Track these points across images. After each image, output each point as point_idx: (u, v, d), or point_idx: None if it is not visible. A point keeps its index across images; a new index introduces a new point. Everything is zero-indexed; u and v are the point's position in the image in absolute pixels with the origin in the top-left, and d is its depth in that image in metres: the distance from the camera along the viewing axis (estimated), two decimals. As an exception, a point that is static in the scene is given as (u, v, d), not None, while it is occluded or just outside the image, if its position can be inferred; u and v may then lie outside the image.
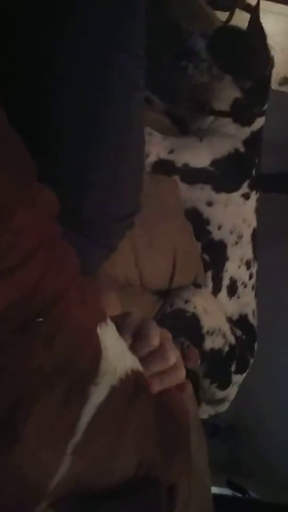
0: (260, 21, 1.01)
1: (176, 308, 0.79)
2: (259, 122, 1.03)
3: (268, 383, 2.57)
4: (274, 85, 2.56)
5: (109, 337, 0.37)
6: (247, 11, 2.40)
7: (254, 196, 1.05)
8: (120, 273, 0.79)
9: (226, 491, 2.13)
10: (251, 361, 1.05)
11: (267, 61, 1.00)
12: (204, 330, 0.83)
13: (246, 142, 1.01)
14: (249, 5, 2.38)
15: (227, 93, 0.98)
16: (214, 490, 2.23)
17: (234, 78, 0.96)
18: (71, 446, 0.31)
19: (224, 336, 0.89)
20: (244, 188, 1.02)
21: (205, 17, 1.07)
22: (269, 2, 2.74)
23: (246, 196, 1.03)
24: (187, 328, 0.81)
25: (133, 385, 0.37)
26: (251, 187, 1.04)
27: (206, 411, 1.04)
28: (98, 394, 0.33)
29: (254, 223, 1.07)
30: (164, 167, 0.93)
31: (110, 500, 0.33)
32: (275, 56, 2.69)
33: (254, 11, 1.00)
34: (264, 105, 1.03)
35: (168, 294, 0.83)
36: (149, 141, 0.90)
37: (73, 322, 0.34)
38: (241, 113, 0.99)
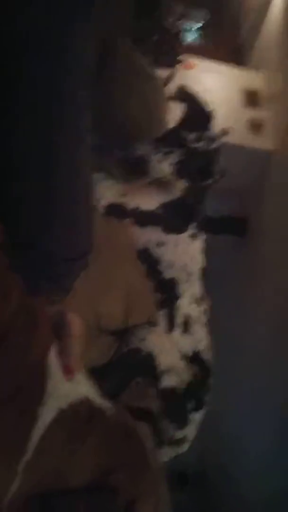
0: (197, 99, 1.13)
1: (132, 347, 0.80)
2: (207, 174, 1.13)
3: (234, 424, 2.56)
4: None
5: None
6: (187, 68, 2.61)
7: (201, 236, 1.11)
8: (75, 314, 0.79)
9: None
10: (207, 398, 1.05)
11: (210, 119, 1.11)
12: (160, 369, 0.84)
13: (191, 189, 1.08)
14: (184, 61, 2.60)
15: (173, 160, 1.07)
16: None
17: (178, 154, 1.07)
18: (22, 464, 0.34)
19: (179, 374, 0.90)
20: (192, 229, 1.08)
21: (147, 77, 1.15)
22: (210, 62, 3.00)
23: (193, 237, 1.09)
24: (143, 367, 0.81)
25: (87, 410, 0.38)
26: (198, 228, 1.10)
27: (166, 453, 1.02)
28: (46, 415, 0.35)
29: (202, 262, 1.12)
30: (116, 210, 0.97)
31: (67, 495, 0.36)
32: (214, 110, 2.90)
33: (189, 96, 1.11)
34: (210, 157, 1.14)
35: (124, 334, 0.83)
36: (102, 185, 0.94)
37: (19, 350, 0.35)
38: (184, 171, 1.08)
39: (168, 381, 0.87)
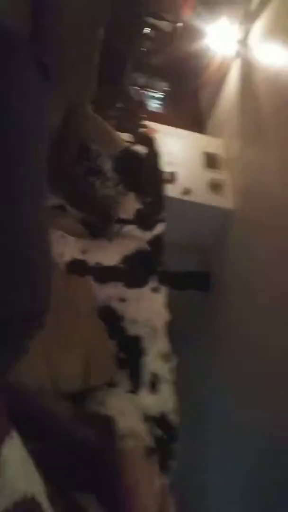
0: (155, 149, 1.19)
1: (91, 412, 0.75)
2: (160, 227, 1.16)
3: (202, 481, 2.43)
4: (177, 194, 2.88)
5: (12, 455, 0.35)
6: (147, 134, 2.76)
7: (163, 290, 1.11)
8: (31, 378, 0.75)
9: None
10: (173, 464, 1.00)
11: (162, 181, 1.16)
12: (119, 434, 0.79)
13: (150, 243, 1.10)
14: (147, 126, 2.75)
15: (131, 206, 1.10)
16: None
17: (136, 195, 1.09)
18: None
19: (137, 438, 0.85)
20: (153, 282, 1.08)
21: (112, 140, 1.21)
22: (170, 127, 3.19)
23: (155, 290, 1.09)
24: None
25: (31, 508, 0.34)
26: (160, 281, 1.10)
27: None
28: None
29: (166, 316, 1.11)
30: (78, 267, 0.96)
31: None
32: (177, 171, 3.04)
33: (149, 141, 1.18)
34: (161, 214, 1.17)
35: (81, 398, 0.79)
36: (63, 243, 0.94)
37: None
38: (143, 221, 1.11)
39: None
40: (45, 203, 0.67)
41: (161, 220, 1.16)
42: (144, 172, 1.09)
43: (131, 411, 0.90)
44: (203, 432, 2.50)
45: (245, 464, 2.16)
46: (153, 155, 1.14)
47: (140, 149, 1.14)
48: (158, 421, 1.00)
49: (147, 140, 1.17)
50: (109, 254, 1.03)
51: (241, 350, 2.44)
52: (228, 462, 2.28)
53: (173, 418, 1.04)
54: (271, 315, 2.20)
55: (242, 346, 2.44)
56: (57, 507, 0.39)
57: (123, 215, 1.09)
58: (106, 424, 0.76)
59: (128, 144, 1.19)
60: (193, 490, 2.49)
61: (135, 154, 1.11)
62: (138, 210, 1.10)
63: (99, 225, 1.08)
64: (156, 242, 1.13)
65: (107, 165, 1.04)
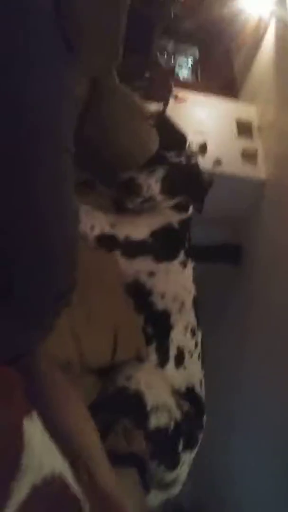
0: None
1: (118, 386, 0.77)
2: (191, 210, 1.15)
3: (230, 455, 2.48)
4: (208, 166, 2.80)
5: (35, 432, 0.36)
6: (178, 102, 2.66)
7: (190, 264, 1.11)
8: (59, 352, 0.77)
9: None
10: (200, 436, 1.01)
11: (208, 187, 1.18)
12: (148, 408, 0.81)
13: (180, 222, 1.09)
14: (177, 96, 2.66)
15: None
16: None
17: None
18: None
19: (169, 412, 0.86)
20: (181, 256, 1.08)
21: (140, 114, 1.17)
22: (202, 95, 3.08)
23: (184, 264, 1.08)
24: (130, 407, 0.78)
25: (57, 490, 0.35)
26: (187, 255, 1.09)
27: (157, 497, 0.97)
28: (19, 491, 0.33)
29: (193, 291, 1.10)
30: (108, 241, 0.97)
31: None
32: (207, 141, 2.94)
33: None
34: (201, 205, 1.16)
35: (110, 372, 0.81)
36: (92, 217, 0.94)
37: None
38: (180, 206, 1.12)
39: (157, 421, 0.83)
40: (72, 180, 0.66)
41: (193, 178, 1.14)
42: (191, 184, 1.11)
43: (160, 385, 0.91)
44: (231, 407, 2.52)
45: (271, 441, 2.18)
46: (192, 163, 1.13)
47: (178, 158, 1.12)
48: (185, 394, 1.02)
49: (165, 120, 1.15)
50: (138, 228, 1.03)
51: (271, 326, 2.41)
52: (255, 439, 2.31)
53: (199, 391, 1.05)
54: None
55: (272, 322, 2.41)
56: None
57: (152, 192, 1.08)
58: (135, 399, 0.78)
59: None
60: (222, 459, 2.54)
61: (180, 168, 1.09)
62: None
63: (129, 188, 1.07)
64: (186, 223, 1.12)
65: (157, 189, 1.05)
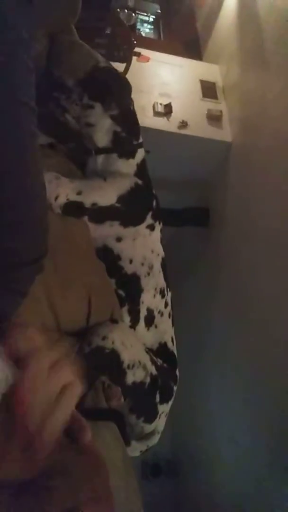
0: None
1: (95, 346, 0.79)
2: (141, 153, 1.13)
3: (203, 414, 2.61)
4: (174, 128, 2.78)
5: None
6: (140, 60, 2.59)
7: (158, 226, 1.12)
8: (35, 319, 0.78)
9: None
10: (175, 388, 1.07)
11: (128, 91, 1.11)
12: (125, 365, 0.83)
13: (138, 175, 1.08)
14: (140, 54, 2.58)
15: (105, 126, 1.06)
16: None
17: (103, 106, 1.04)
18: None
19: (144, 367, 0.90)
20: (149, 220, 1.09)
21: None
22: (165, 54, 3.00)
23: (151, 227, 1.09)
24: (107, 365, 0.81)
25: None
26: (155, 218, 1.10)
27: (137, 448, 1.02)
28: None
29: (162, 253, 1.12)
30: (74, 209, 0.95)
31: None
32: (172, 103, 2.91)
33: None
34: (139, 137, 1.13)
35: (85, 334, 0.82)
36: (57, 184, 0.92)
37: None
38: (122, 146, 1.08)
39: (134, 377, 0.87)
40: (36, 142, 0.64)
41: (140, 145, 1.12)
42: (110, 82, 1.04)
43: (134, 343, 0.94)
44: (202, 359, 2.63)
45: (240, 390, 2.30)
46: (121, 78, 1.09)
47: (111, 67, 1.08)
48: (158, 351, 1.06)
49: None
50: (105, 194, 1.02)
51: (238, 282, 2.49)
52: (226, 388, 2.43)
53: (172, 347, 1.09)
54: (269, 250, 2.22)
55: (238, 279, 2.49)
56: None
57: (101, 143, 1.06)
58: (111, 357, 0.80)
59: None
60: (198, 415, 2.67)
61: (104, 69, 1.05)
62: (115, 133, 1.07)
63: (79, 157, 1.05)
64: (142, 173, 1.11)
65: (70, 80, 1.00)
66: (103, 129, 1.06)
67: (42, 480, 0.38)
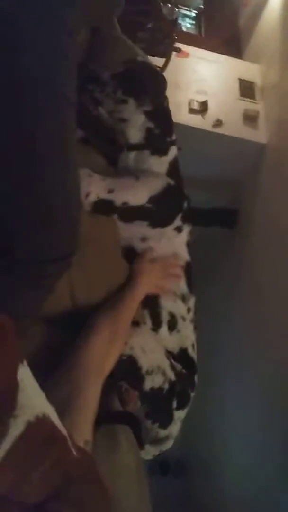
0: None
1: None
2: (173, 151, 1.10)
3: (216, 415, 2.59)
4: (208, 126, 2.73)
5: (26, 376, 0.38)
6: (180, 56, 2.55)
7: (186, 228, 1.09)
8: (58, 315, 0.77)
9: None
10: (192, 395, 1.05)
11: (163, 87, 1.08)
12: (143, 371, 0.82)
13: (169, 174, 1.06)
14: (180, 49, 2.54)
15: (138, 122, 1.04)
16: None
17: (136, 102, 1.02)
18: None
19: (164, 373, 0.88)
20: (177, 222, 1.06)
21: None
22: (205, 51, 2.94)
23: (178, 229, 1.07)
24: (125, 371, 0.80)
25: (48, 428, 0.39)
26: (183, 220, 1.08)
27: (150, 452, 1.01)
28: (16, 427, 0.35)
29: (186, 256, 1.10)
30: (104, 207, 0.94)
31: None
32: (208, 100, 2.85)
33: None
34: (172, 134, 1.11)
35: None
36: (89, 181, 0.91)
37: None
38: (155, 143, 1.06)
39: (152, 382, 0.85)
40: (75, 136, 0.63)
41: (173, 142, 1.10)
42: (144, 77, 1.03)
43: (154, 348, 0.93)
44: (219, 362, 2.60)
45: (256, 395, 2.26)
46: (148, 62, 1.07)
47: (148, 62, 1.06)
48: (178, 356, 1.04)
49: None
50: (137, 194, 1.00)
51: (262, 292, 2.44)
52: (241, 392, 2.40)
53: (192, 353, 1.07)
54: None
55: (264, 286, 2.44)
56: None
57: (133, 140, 1.04)
58: (129, 364, 0.79)
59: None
60: (209, 416, 2.64)
61: (135, 62, 1.03)
62: (148, 130, 1.05)
63: (112, 153, 1.04)
64: (175, 170, 1.08)
65: (105, 74, 0.99)
66: (136, 125, 1.04)
67: (54, 505, 0.38)
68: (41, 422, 0.38)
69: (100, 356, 0.67)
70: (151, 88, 1.03)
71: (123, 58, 1.04)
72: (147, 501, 0.77)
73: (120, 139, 1.06)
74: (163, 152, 1.07)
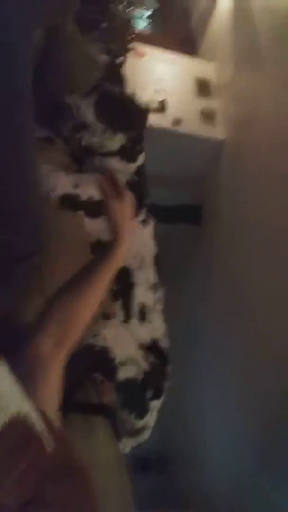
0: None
1: (85, 344, 0.79)
2: (141, 157, 1.14)
3: (195, 412, 2.62)
4: (167, 124, 2.76)
5: (1, 375, 0.37)
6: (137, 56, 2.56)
7: (151, 222, 1.12)
8: (30, 314, 0.77)
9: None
10: (166, 385, 1.07)
11: (145, 113, 1.14)
12: (117, 361, 0.83)
13: (136, 173, 1.09)
14: (135, 48, 2.56)
15: (116, 143, 1.07)
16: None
17: (124, 135, 1.07)
18: None
19: (137, 364, 0.90)
20: (142, 215, 1.09)
21: (93, 65, 1.14)
22: (161, 50, 2.98)
23: (144, 222, 1.10)
24: (99, 362, 0.81)
25: (23, 430, 0.37)
26: (148, 214, 1.10)
27: (127, 444, 1.02)
28: None
29: (154, 248, 1.13)
30: (70, 201, 0.95)
31: None
32: (166, 99, 2.88)
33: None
34: (142, 144, 1.15)
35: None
36: (54, 177, 0.91)
37: None
38: (127, 153, 1.09)
39: (126, 373, 0.87)
40: (34, 134, 0.64)
41: (142, 150, 1.13)
42: (127, 110, 1.06)
43: (126, 340, 0.94)
44: (194, 356, 2.63)
45: (232, 387, 2.31)
46: (126, 92, 1.11)
47: (113, 87, 1.09)
48: (150, 347, 1.06)
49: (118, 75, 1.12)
50: None
51: (230, 282, 2.50)
52: (217, 384, 2.44)
53: (164, 343, 1.09)
54: (262, 248, 2.23)
55: (231, 278, 2.50)
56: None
57: (106, 150, 1.07)
58: (102, 354, 0.80)
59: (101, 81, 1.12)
60: (187, 410, 2.67)
61: (114, 95, 1.06)
62: (123, 145, 1.08)
63: (78, 153, 1.05)
64: (141, 172, 1.12)
65: (90, 115, 1.01)
66: (114, 144, 1.07)
67: (32, 508, 0.36)
68: (16, 422, 0.36)
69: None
70: (139, 124, 1.10)
71: (92, 79, 1.07)
72: (127, 492, 0.78)
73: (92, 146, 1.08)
74: (131, 159, 1.10)
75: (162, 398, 1.04)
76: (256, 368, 2.13)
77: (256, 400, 2.08)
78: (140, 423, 0.99)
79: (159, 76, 2.87)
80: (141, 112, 1.10)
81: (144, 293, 1.06)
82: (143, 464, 2.77)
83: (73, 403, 0.76)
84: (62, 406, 0.66)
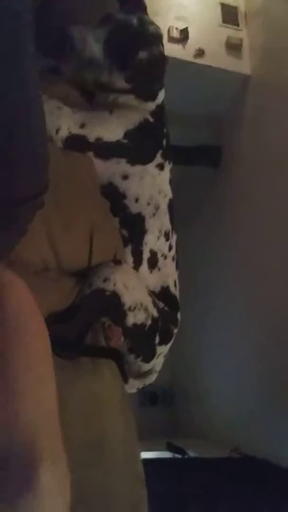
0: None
1: (95, 288, 0.78)
2: (161, 95, 1.04)
3: (199, 349, 2.71)
4: (189, 57, 2.58)
5: None
6: None
7: (168, 166, 1.06)
8: (35, 257, 0.76)
9: (166, 454, 2.27)
10: (175, 331, 1.07)
11: (158, 41, 1.01)
12: (126, 307, 0.83)
13: (153, 114, 1.01)
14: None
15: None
16: (154, 454, 2.35)
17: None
18: None
19: (146, 310, 0.89)
20: (158, 159, 1.03)
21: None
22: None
23: (160, 167, 1.04)
24: (108, 307, 0.81)
25: None
26: (165, 157, 1.04)
27: (134, 385, 1.05)
28: None
29: (170, 194, 1.08)
30: (77, 143, 0.89)
31: None
32: (188, 27, 2.67)
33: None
34: (162, 80, 1.04)
35: (86, 275, 0.81)
36: (58, 115, 0.86)
37: None
38: (142, 88, 1.00)
39: (135, 318, 0.87)
40: (35, 63, 0.58)
41: (162, 87, 1.04)
42: (138, 44, 0.94)
43: (137, 285, 0.93)
44: (202, 297, 2.67)
45: (236, 326, 2.37)
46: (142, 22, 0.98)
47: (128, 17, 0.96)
48: (160, 294, 1.06)
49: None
50: (111, 128, 0.95)
51: (250, 227, 2.45)
52: (223, 324, 2.51)
53: (174, 290, 1.09)
54: (285, 194, 2.15)
55: (251, 222, 2.44)
56: None
57: (119, 84, 0.98)
58: (112, 299, 0.80)
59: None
60: (194, 347, 2.76)
61: (126, 25, 0.94)
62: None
63: (88, 85, 0.97)
64: (159, 113, 1.03)
65: (97, 51, 0.90)
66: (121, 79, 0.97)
67: None
68: None
69: None
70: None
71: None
72: (132, 430, 0.81)
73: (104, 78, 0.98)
74: (149, 97, 1.01)
75: (170, 343, 1.05)
76: (261, 308, 2.18)
77: (261, 339, 2.15)
78: (146, 366, 1.01)
79: (180, 1, 2.63)
80: (154, 41, 0.99)
81: (156, 241, 1.03)
82: (150, 397, 2.93)
83: (83, 346, 0.77)
84: (73, 349, 0.67)
